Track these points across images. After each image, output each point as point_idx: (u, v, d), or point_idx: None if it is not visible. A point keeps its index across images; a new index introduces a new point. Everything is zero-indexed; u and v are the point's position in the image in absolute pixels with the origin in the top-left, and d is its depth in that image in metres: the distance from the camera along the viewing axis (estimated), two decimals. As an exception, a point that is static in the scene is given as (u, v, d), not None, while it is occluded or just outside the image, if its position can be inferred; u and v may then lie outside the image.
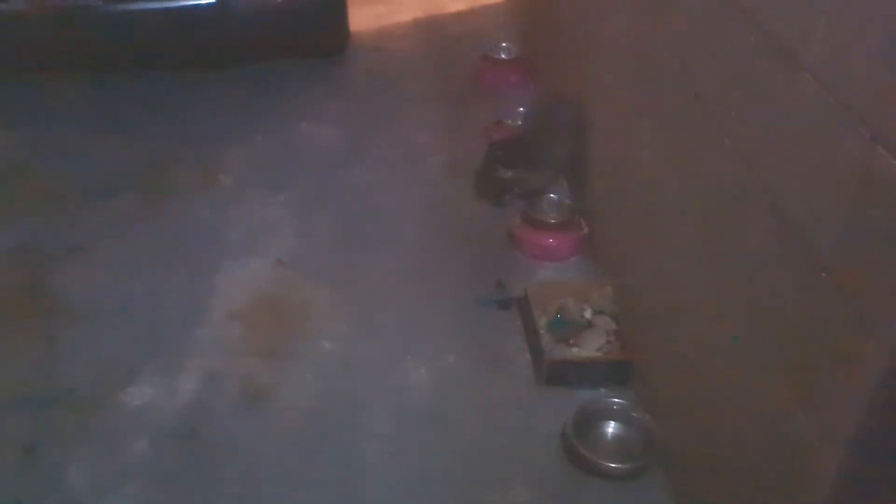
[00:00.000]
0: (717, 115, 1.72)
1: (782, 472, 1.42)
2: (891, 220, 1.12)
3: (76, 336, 2.39)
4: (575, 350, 2.26)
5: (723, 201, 1.69)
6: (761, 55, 1.50)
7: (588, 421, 2.08)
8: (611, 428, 2.11)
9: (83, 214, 2.93)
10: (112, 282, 2.62)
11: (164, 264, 2.69)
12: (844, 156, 1.22)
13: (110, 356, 2.32)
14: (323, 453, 2.04)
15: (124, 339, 2.38)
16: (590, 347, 2.27)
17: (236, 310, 2.49)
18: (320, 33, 3.99)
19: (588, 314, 2.36)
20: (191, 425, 2.11)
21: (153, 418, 2.12)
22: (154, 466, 2.00)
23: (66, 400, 2.18)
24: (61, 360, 2.31)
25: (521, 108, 3.33)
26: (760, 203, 1.51)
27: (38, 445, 2.05)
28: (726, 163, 1.65)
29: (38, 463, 2.01)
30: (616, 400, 2.14)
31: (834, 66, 1.27)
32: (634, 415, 2.09)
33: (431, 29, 4.57)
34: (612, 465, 1.97)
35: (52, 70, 3.89)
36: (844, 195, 1.23)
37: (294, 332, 2.42)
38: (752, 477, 1.55)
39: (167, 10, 3.47)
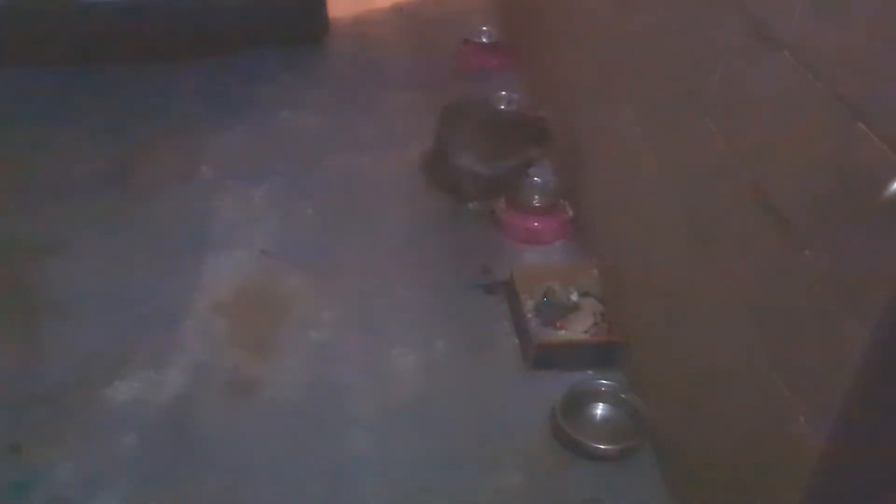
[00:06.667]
0: (698, 95, 1.72)
1: (769, 450, 1.43)
2: (871, 198, 1.12)
3: (60, 332, 2.36)
4: (562, 333, 2.27)
5: (705, 181, 1.70)
6: (741, 34, 1.50)
7: (576, 403, 2.08)
8: (599, 409, 2.12)
9: (63, 208, 2.89)
10: (95, 276, 2.59)
11: (147, 257, 2.66)
12: (825, 133, 1.22)
13: (95, 351, 2.29)
14: (311, 443, 2.03)
15: (109, 333, 2.36)
16: (577, 330, 2.28)
17: (221, 302, 2.47)
18: (299, 20, 3.96)
19: (574, 297, 2.36)
20: (178, 418, 2.09)
21: (140, 413, 2.11)
22: (142, 461, 1.98)
23: (51, 396, 2.15)
24: (45, 356, 2.28)
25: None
26: (742, 182, 1.51)
27: (23, 443, 2.02)
28: (708, 143, 1.65)
29: (25, 461, 1.99)
30: (604, 381, 2.15)
31: (813, 44, 1.27)
32: (623, 396, 2.11)
33: (412, 14, 4.53)
34: (602, 446, 1.98)
35: (29, 63, 3.83)
36: (825, 173, 1.23)
37: (280, 322, 2.41)
38: (740, 456, 1.56)
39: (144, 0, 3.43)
